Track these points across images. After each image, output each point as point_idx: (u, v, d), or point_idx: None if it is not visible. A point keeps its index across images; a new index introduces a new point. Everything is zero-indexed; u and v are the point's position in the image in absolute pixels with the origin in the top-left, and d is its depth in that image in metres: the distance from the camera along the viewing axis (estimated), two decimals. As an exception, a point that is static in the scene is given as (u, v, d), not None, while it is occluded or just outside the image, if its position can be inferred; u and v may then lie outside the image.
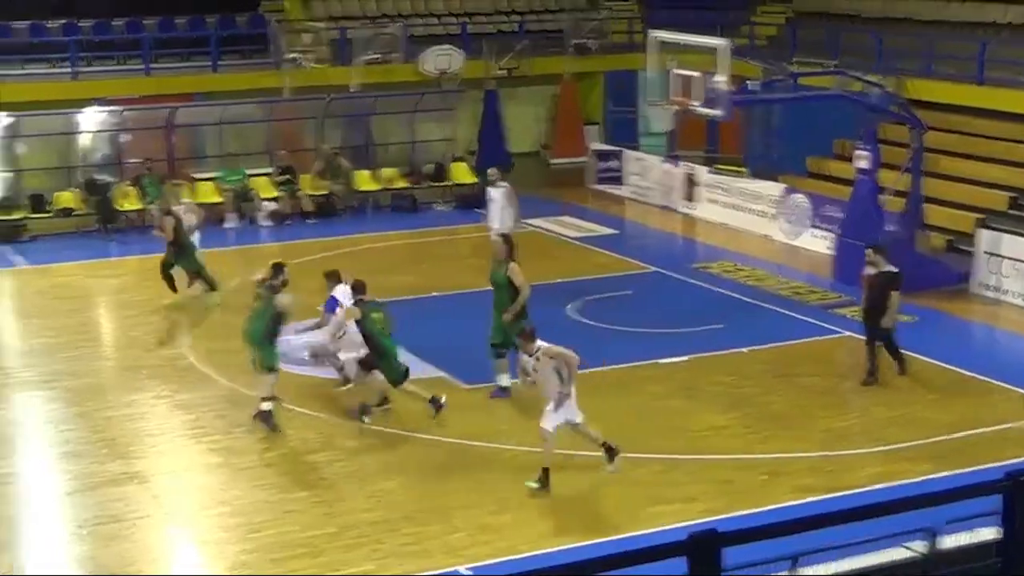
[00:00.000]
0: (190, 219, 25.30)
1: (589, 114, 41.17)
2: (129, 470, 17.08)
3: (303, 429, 18.44)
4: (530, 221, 31.28)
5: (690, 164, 33.50)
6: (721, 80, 24.51)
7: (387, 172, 34.59)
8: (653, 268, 27.41)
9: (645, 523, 15.08)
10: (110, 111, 33.63)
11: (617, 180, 35.59)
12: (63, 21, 36.92)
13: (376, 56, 36.68)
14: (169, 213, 24.89)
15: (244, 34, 38.49)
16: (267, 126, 35.05)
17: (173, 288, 24.76)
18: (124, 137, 33.62)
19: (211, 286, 24.86)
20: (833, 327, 22.41)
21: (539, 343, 16.13)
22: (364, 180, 34.33)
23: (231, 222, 31.97)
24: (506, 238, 20.23)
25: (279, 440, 18.04)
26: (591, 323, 23.33)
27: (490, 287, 19.74)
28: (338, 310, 18.95)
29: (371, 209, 33.86)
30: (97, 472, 16.99)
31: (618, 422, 18.45)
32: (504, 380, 19.21)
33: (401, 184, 34.46)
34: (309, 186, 33.45)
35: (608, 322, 23.27)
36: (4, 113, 32.38)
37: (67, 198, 31.94)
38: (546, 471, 15.97)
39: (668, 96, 25.98)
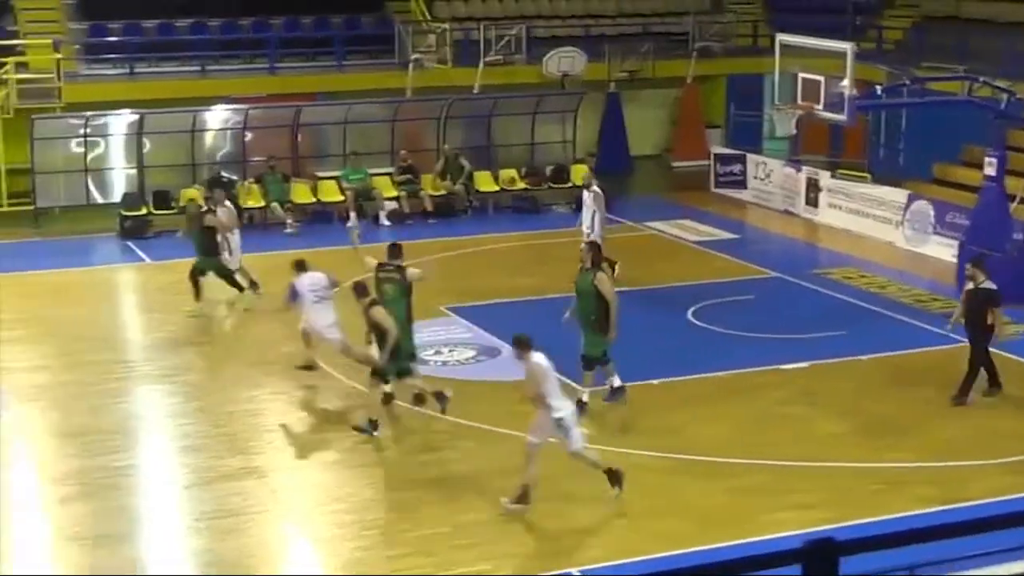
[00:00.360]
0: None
1: (711, 117, 40.90)
2: (248, 465, 17.26)
3: (420, 429, 18.52)
4: (650, 224, 31.22)
5: (813, 169, 33.15)
6: (846, 84, 24.22)
7: (507, 173, 34.63)
8: (774, 273, 27.14)
9: (762, 529, 14.90)
10: (235, 109, 34.04)
11: (739, 184, 35.26)
12: (191, 20, 37.49)
13: (498, 57, 36.76)
14: (212, 212, 24.72)
15: (369, 34, 38.77)
16: (390, 126, 35.23)
17: (242, 287, 24.83)
18: (248, 135, 34.01)
19: (198, 295, 24.42)
20: (955, 336, 21.97)
21: (534, 353, 15.58)
22: (485, 181, 34.40)
23: (352, 221, 32.17)
24: (593, 245, 19.95)
25: (395, 439, 18.13)
26: (711, 327, 23.15)
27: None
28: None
29: (492, 210, 33.93)
30: (216, 466, 17.18)
31: (738, 427, 18.35)
32: (616, 380, 19.08)
33: (521, 185, 34.48)
34: (430, 186, 33.59)
35: (728, 327, 23.08)
36: (131, 110, 32.94)
37: (191, 195, 32.31)
38: (613, 472, 15.79)
39: (792, 100, 25.74)
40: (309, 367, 20.15)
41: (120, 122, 33.21)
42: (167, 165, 32.98)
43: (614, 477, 15.76)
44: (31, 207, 32.26)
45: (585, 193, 25.94)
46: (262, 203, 32.10)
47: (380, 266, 19.19)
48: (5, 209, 32.86)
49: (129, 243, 30.32)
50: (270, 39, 36.79)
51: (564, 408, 15.51)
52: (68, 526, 15.55)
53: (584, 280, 18.88)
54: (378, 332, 18.12)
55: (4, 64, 33.22)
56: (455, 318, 23.60)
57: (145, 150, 32.90)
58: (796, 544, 6.23)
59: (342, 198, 32.63)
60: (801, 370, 20.77)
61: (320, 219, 32.23)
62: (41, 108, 32.96)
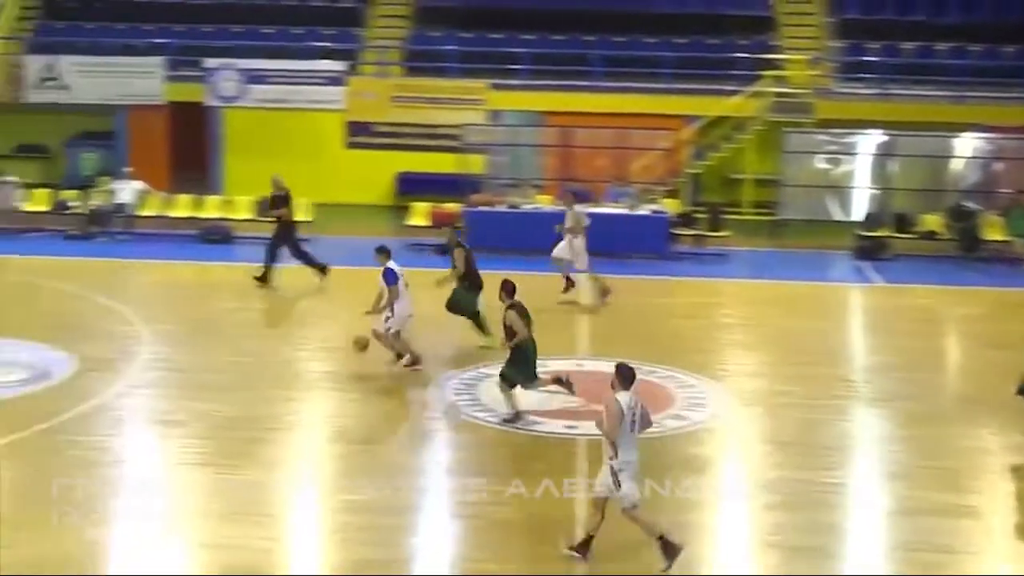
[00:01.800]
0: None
1: None
2: (960, 502, 16.49)
3: None
4: None
5: None
6: None
7: None
8: None
9: None
10: (987, 138, 33.15)
11: None
12: (951, 45, 36.92)
13: None
14: (460, 246, 22.78)
15: None
16: None
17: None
18: (998, 166, 32.99)
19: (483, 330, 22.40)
20: None
21: (622, 392, 13.89)
22: None
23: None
24: None
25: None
26: None
27: None
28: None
29: None
30: (922, 498, 16.56)
31: None
32: None
33: None
34: None
35: None
36: (880, 131, 32.89)
37: (932, 221, 31.82)
38: (667, 544, 13.85)
39: None
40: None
41: (868, 141, 33.30)
42: (911, 189, 32.68)
43: (668, 549, 13.79)
44: (771, 217, 32.96)
45: None
46: (1004, 236, 30.97)
47: None
48: (747, 217, 33.77)
49: (863, 263, 30.23)
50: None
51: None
52: (767, 532, 15.54)
53: None
54: (510, 334, 18.54)
55: (763, 77, 34.18)
56: None
57: (890, 172, 32.79)
58: None
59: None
60: None
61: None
62: (792, 122, 33.57)
